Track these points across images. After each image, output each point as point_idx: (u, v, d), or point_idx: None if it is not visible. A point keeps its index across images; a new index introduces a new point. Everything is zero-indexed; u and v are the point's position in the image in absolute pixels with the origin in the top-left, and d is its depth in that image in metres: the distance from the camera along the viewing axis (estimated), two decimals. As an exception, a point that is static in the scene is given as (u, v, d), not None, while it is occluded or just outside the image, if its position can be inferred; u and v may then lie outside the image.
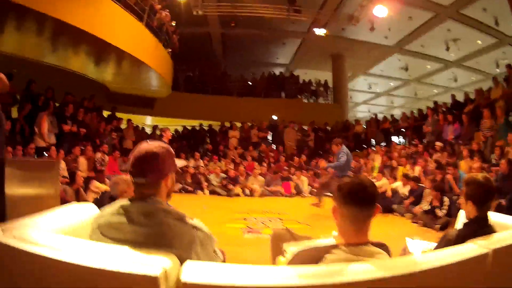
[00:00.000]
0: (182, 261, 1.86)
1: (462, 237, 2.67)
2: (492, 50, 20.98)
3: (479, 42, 20.43)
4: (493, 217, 3.08)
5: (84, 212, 2.56)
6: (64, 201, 7.35)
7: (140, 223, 2.02)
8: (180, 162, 2.46)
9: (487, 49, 21.03)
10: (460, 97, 15.86)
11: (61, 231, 2.21)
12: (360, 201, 2.08)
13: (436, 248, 3.16)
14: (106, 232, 2.04)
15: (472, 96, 14.86)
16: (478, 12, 17.21)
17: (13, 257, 1.76)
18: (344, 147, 10.32)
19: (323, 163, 14.98)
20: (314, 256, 2.10)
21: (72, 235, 2.09)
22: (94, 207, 2.72)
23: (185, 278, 1.66)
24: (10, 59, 11.50)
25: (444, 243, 2.96)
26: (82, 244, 1.87)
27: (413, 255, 3.33)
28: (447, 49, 21.65)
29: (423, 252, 3.33)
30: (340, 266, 1.87)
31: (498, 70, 21.58)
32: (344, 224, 2.14)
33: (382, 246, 2.21)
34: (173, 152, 2.32)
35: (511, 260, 2.30)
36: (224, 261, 2.54)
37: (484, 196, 2.95)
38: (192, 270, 1.73)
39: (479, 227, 2.81)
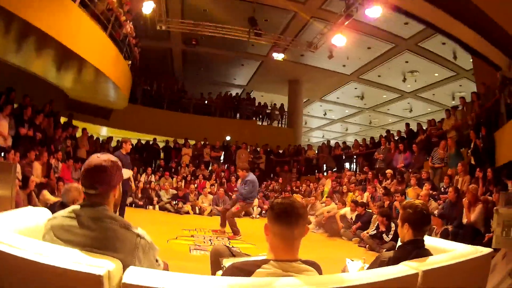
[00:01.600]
0: (125, 265, 2.02)
1: (396, 259, 2.84)
2: (449, 82, 21.58)
3: (436, 74, 20.96)
4: (431, 241, 3.30)
5: (38, 216, 2.63)
6: (16, 204, 7.33)
7: (89, 227, 2.17)
8: (126, 173, 2.63)
9: (444, 81, 21.59)
10: (414, 127, 16.27)
11: (16, 232, 2.29)
12: (290, 220, 2.18)
13: (369, 268, 3.35)
14: (58, 234, 2.18)
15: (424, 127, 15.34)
16: (437, 46, 17.67)
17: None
18: (251, 174, 10.53)
19: (273, 185, 15.16)
20: (246, 270, 2.18)
21: (27, 236, 2.18)
22: (48, 211, 2.77)
23: (127, 280, 1.82)
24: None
25: (377, 264, 3.10)
26: (35, 244, 1.99)
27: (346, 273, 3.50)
28: (404, 80, 22.11)
29: (358, 271, 3.50)
30: (269, 279, 2.00)
31: (453, 102, 22.10)
32: (275, 241, 2.24)
33: (313, 264, 2.33)
34: (120, 165, 2.47)
35: (440, 281, 2.50)
36: (164, 270, 2.68)
37: (421, 220, 3.10)
38: (133, 274, 1.89)
39: (414, 249, 2.96)
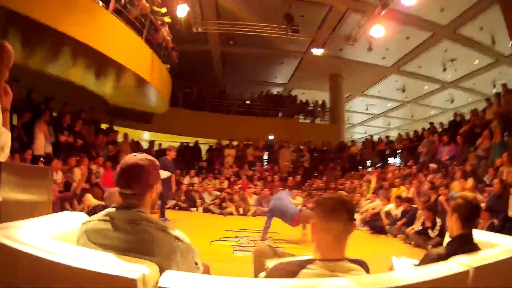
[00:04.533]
0: (162, 269, 1.95)
1: (445, 255, 2.71)
2: (489, 70, 21.06)
3: (476, 62, 20.52)
4: (478, 235, 3.11)
5: (75, 220, 2.60)
6: (57, 209, 7.38)
7: (124, 230, 2.11)
8: (164, 173, 2.54)
9: (484, 69, 21.11)
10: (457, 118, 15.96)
11: (51, 236, 2.27)
12: (338, 214, 2.13)
13: (418, 265, 3.21)
14: (92, 237, 2.14)
15: (467, 117, 14.95)
16: (475, 31, 17.29)
17: (3, 255, 1.84)
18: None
19: (317, 183, 14.97)
20: (290, 271, 2.12)
21: (62, 241, 2.15)
22: (85, 215, 2.75)
23: (163, 284, 1.75)
24: (12, 67, 11.50)
25: (427, 262, 2.95)
26: (69, 248, 1.95)
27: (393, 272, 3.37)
28: (444, 69, 21.66)
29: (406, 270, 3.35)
30: (314, 280, 1.91)
31: (494, 90, 21.47)
32: (322, 238, 2.18)
33: (362, 263, 2.24)
34: (158, 164, 2.41)
35: (492, 278, 2.34)
36: (205, 273, 2.59)
37: (470, 213, 3.00)
38: (170, 278, 1.82)
39: (462, 244, 2.86)
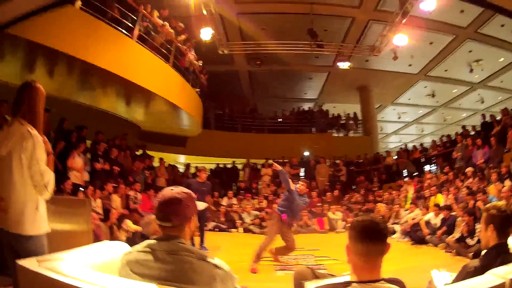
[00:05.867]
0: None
1: (482, 268, 2.73)
2: (515, 66, 20.78)
3: (501, 60, 20.24)
4: (512, 243, 3.11)
5: (116, 250, 2.67)
6: (97, 237, 7.48)
7: (165, 260, 2.17)
8: (200, 205, 2.60)
9: (510, 66, 20.80)
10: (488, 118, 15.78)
11: (93, 267, 2.34)
12: (372, 237, 2.15)
13: (455, 280, 3.17)
14: (133, 268, 2.19)
15: (498, 117, 14.73)
16: (497, 29, 17.11)
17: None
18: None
19: (355, 196, 14.83)
20: None
21: (104, 271, 2.24)
22: (126, 245, 2.83)
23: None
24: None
25: (464, 275, 2.97)
26: (112, 280, 2.02)
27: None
28: (471, 70, 21.41)
29: (445, 285, 3.32)
30: None
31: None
32: (357, 261, 2.20)
33: (397, 282, 2.24)
34: (194, 197, 2.47)
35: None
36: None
37: (506, 222, 2.97)
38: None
39: (499, 254, 2.85)
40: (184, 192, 2.37)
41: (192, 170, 18.55)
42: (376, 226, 2.18)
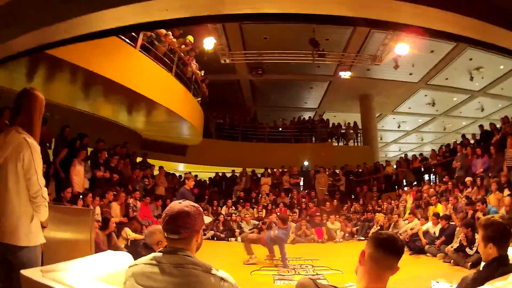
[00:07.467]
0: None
1: (481, 279, 2.75)
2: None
3: (502, 67, 20.15)
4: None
5: (120, 261, 2.69)
6: (97, 245, 7.51)
7: (171, 273, 2.19)
8: (207, 219, 2.63)
9: (510, 73, 20.69)
10: (488, 127, 15.57)
11: (96, 277, 2.35)
12: (391, 249, 2.22)
13: None
14: (139, 280, 2.21)
15: (498, 125, 14.69)
16: (497, 36, 16.98)
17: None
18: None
19: (354, 206, 14.82)
20: None
21: (108, 282, 2.28)
22: (129, 256, 2.84)
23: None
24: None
25: (463, 286, 3.04)
26: None
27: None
28: (471, 78, 21.38)
29: None
30: None
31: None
32: (369, 267, 2.24)
33: None
34: (202, 210, 2.50)
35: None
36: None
37: (505, 236, 2.99)
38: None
39: (499, 266, 2.86)
40: (192, 205, 2.40)
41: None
42: (398, 242, 2.27)
